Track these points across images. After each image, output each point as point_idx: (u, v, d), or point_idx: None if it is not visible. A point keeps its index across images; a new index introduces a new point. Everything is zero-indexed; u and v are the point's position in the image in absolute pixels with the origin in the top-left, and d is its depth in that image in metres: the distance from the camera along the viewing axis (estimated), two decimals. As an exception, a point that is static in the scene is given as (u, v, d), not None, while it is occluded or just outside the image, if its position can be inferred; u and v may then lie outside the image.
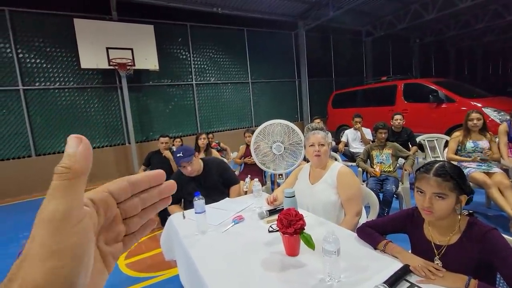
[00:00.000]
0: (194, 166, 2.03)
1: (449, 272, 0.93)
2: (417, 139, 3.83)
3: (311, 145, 1.68)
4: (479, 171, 2.61)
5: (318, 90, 9.10)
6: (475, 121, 2.75)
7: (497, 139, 2.97)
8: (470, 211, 2.89)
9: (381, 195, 2.73)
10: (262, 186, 3.21)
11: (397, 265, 1.03)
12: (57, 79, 5.53)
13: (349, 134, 4.51)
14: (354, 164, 3.50)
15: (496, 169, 2.63)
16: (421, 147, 3.93)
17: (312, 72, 8.68)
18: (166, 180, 0.30)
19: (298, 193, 1.76)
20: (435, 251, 1.05)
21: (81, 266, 0.20)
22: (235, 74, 7.70)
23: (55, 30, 5.40)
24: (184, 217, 1.72)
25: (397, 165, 3.06)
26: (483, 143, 2.75)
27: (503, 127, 3.04)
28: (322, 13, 7.69)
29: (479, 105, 4.77)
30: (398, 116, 3.81)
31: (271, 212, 1.59)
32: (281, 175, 2.42)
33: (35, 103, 5.40)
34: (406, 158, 2.95)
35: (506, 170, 2.76)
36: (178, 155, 1.97)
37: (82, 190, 0.22)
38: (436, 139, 3.81)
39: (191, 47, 6.89)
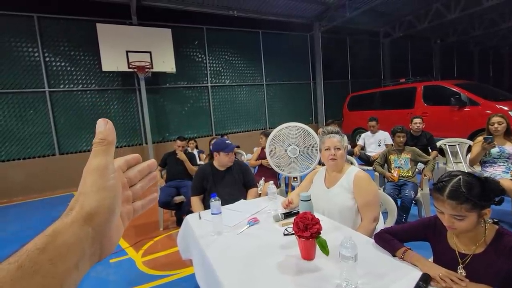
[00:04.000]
0: (233, 158, 2.23)
1: (472, 282, 0.90)
2: (438, 144, 3.70)
3: (327, 149, 1.66)
4: (506, 177, 2.49)
5: (334, 92, 8.98)
6: (496, 125, 2.63)
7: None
8: (495, 220, 2.76)
9: (399, 201, 2.66)
10: (276, 189, 3.22)
11: (416, 274, 1.00)
12: (80, 81, 5.78)
13: (365, 138, 4.43)
14: (370, 168, 3.43)
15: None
16: (441, 152, 3.80)
17: (327, 74, 8.58)
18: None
19: (313, 197, 1.75)
20: (459, 260, 1.01)
21: (118, 199, 0.30)
22: (250, 76, 7.75)
23: (79, 35, 5.66)
24: (200, 217, 1.75)
25: (416, 170, 2.97)
26: (510, 148, 2.62)
27: None
28: (338, 14, 7.61)
29: (506, 108, 4.54)
30: (417, 120, 3.70)
31: (286, 215, 1.59)
32: (296, 178, 2.40)
33: (60, 104, 5.66)
34: (425, 163, 2.86)
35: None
36: (227, 142, 2.21)
37: (113, 154, 0.32)
38: (458, 144, 3.67)
39: (207, 50, 7.01)
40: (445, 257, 1.05)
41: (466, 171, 1.08)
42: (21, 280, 0.22)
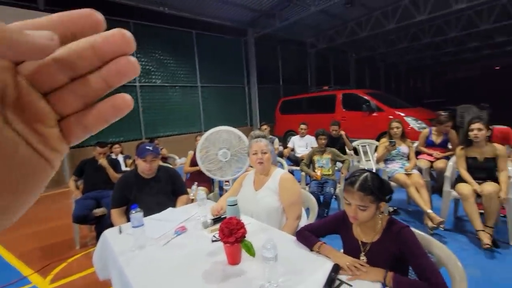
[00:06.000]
0: (155, 165, 1.99)
1: (371, 267, 1.05)
2: (353, 144, 4.24)
3: (254, 153, 1.72)
4: (401, 172, 3.01)
5: (267, 97, 9.41)
6: (395, 130, 3.18)
7: (414, 145, 3.48)
8: (395, 208, 3.25)
9: (322, 197, 2.94)
10: (210, 193, 3.17)
11: (329, 265, 1.12)
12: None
13: (295, 141, 4.76)
14: (298, 168, 3.70)
15: (414, 171, 3.06)
16: (356, 151, 4.36)
17: (261, 78, 8.94)
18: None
19: (242, 199, 1.79)
20: (362, 248, 1.17)
21: None
22: (184, 77, 7.48)
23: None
24: (120, 231, 1.59)
25: (336, 168, 3.33)
26: (404, 148, 3.19)
27: (425, 132, 3.63)
28: (269, 23, 8.02)
29: (402, 114, 5.51)
30: (334, 127, 4.20)
31: (216, 221, 1.57)
32: (228, 181, 2.42)
33: None
34: (343, 162, 3.24)
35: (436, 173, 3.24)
36: (147, 147, 1.93)
37: None
38: (368, 145, 4.27)
39: (136, 47, 6.46)
40: (351, 246, 1.20)
41: (370, 170, 1.26)
42: None
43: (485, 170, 2.47)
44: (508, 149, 2.93)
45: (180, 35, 7.35)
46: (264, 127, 4.78)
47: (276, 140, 4.58)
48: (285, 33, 9.35)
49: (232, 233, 1.09)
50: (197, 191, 1.88)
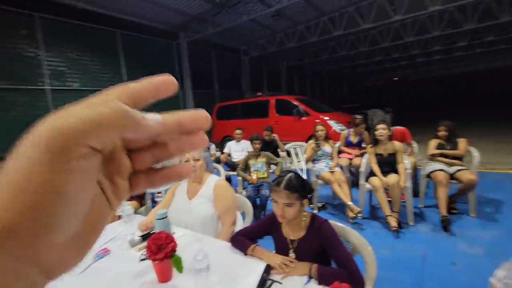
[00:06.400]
0: None
1: (299, 262, 1.13)
2: (285, 147, 4.51)
3: (186, 161, 1.67)
4: (326, 170, 3.34)
5: (204, 102, 9.25)
6: (319, 132, 3.52)
7: (336, 144, 3.91)
8: (323, 203, 3.55)
9: (258, 200, 3.03)
10: (141, 206, 2.92)
11: (262, 267, 1.15)
12: None
13: (231, 146, 4.79)
14: (235, 173, 3.74)
15: (336, 168, 3.43)
16: (288, 154, 4.65)
17: (196, 83, 8.75)
18: None
19: (176, 210, 1.71)
20: (290, 245, 1.25)
21: (69, 205, 0.16)
22: (108, 81, 6.75)
23: None
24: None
25: (270, 171, 3.49)
26: (328, 149, 3.55)
27: (344, 133, 4.10)
28: (202, 28, 7.95)
29: (326, 118, 6.13)
30: (266, 132, 4.40)
31: (145, 237, 1.46)
32: (160, 193, 2.27)
33: None
34: (276, 164, 3.41)
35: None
36: None
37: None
38: (298, 147, 4.61)
39: (44, 44, 5.55)
40: (281, 245, 1.27)
41: (293, 170, 1.36)
42: None
43: (389, 164, 2.95)
44: (405, 146, 3.56)
45: (102, 34, 6.62)
46: (200, 133, 4.68)
47: (213, 146, 4.54)
48: (219, 39, 9.40)
49: (160, 249, 1.02)
50: (123, 206, 1.71)
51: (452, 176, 2.90)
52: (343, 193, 3.06)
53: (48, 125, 0.15)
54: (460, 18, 8.66)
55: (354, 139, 4.04)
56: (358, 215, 2.88)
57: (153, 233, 1.44)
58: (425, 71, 20.51)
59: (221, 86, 10.20)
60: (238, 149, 4.70)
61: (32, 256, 0.16)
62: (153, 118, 0.19)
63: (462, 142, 3.05)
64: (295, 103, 6.59)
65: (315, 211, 3.39)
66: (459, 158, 3.05)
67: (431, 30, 9.27)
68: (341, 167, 3.60)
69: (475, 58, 16.71)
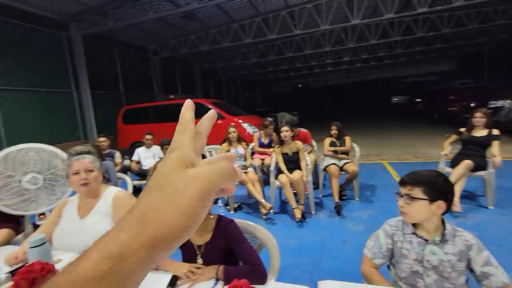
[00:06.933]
0: None
1: (206, 267, 1.13)
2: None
3: (76, 173, 1.43)
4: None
5: (107, 105, 8.17)
6: (232, 134, 3.64)
7: (250, 146, 4.11)
8: (239, 203, 3.64)
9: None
10: (18, 234, 2.34)
11: (168, 278, 1.10)
12: None
13: (141, 153, 4.40)
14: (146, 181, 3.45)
15: (250, 169, 3.60)
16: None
17: (97, 84, 7.65)
18: None
19: (63, 232, 1.45)
20: (197, 251, 1.23)
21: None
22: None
23: None
24: None
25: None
26: (241, 150, 3.69)
27: (256, 135, 4.32)
28: (101, 21, 7.02)
29: (240, 121, 6.36)
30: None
31: (14, 272, 1.17)
32: (44, 214, 1.87)
33: None
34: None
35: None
36: None
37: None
38: (214, 150, 4.62)
39: None
40: (189, 252, 1.24)
41: None
42: None
43: (293, 162, 3.29)
44: (306, 147, 4.04)
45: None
46: (102, 139, 4.11)
47: (117, 154, 4.06)
48: (124, 36, 8.50)
49: (34, 284, 0.84)
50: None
51: (342, 168, 3.47)
52: (257, 191, 3.24)
53: (204, 174, 0.24)
54: (344, 38, 10.49)
55: (265, 140, 4.33)
56: (270, 210, 3.10)
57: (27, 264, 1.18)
58: (322, 80, 23.93)
59: (128, 88, 9.22)
60: (148, 156, 4.35)
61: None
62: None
63: (347, 140, 3.69)
64: (210, 106, 6.58)
65: (232, 212, 3.46)
66: (346, 152, 3.68)
67: (324, 45, 10.90)
68: (254, 168, 3.80)
69: (355, 71, 20.68)
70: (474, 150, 3.02)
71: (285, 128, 3.20)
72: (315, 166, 4.09)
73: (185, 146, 0.25)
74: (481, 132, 3.02)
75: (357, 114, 16.74)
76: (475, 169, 2.93)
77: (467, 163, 2.88)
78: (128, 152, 6.73)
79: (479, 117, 3.00)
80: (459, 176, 2.84)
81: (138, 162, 4.33)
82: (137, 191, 4.37)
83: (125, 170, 4.23)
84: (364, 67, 18.00)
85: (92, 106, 7.43)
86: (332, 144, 3.68)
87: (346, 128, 3.91)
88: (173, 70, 11.81)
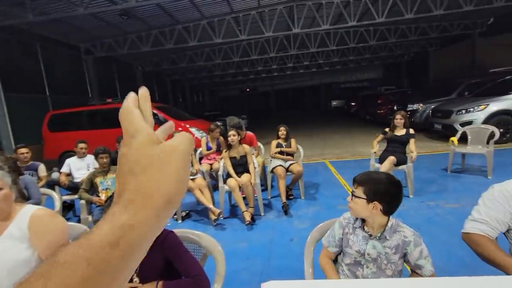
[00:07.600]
0: None
1: (143, 285, 1.04)
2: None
3: (-22, 192, 1.19)
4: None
5: (28, 110, 7.05)
6: None
7: (198, 152, 4.00)
8: (187, 211, 3.48)
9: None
10: None
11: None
12: None
13: (72, 164, 3.90)
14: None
15: (198, 175, 3.50)
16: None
17: (12, 85, 6.55)
18: None
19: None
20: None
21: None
22: None
23: None
24: None
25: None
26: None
27: (203, 140, 4.22)
28: (18, 13, 6.06)
29: (188, 126, 6.16)
30: (119, 145, 3.91)
31: None
32: None
33: None
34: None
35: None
36: None
37: None
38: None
39: None
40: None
41: None
42: (90, 280, 0.21)
43: (241, 165, 3.31)
44: (253, 150, 4.11)
45: None
46: (24, 150, 3.51)
47: (41, 167, 3.53)
48: (49, 31, 7.48)
49: None
50: None
51: (288, 169, 3.62)
52: (205, 198, 3.16)
53: (179, 145, 0.28)
54: (287, 45, 11.06)
55: (212, 145, 4.26)
56: (220, 216, 3.06)
57: None
58: (269, 84, 24.78)
59: (55, 90, 8.14)
60: (81, 167, 3.88)
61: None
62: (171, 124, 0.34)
63: (293, 142, 3.87)
64: (154, 111, 6.20)
65: (179, 221, 3.31)
66: (291, 154, 3.85)
67: (269, 51, 11.32)
68: (203, 173, 3.70)
69: (299, 77, 21.99)
70: (396, 147, 3.48)
71: (232, 132, 3.20)
72: (263, 168, 4.18)
73: (145, 128, 0.27)
74: (401, 132, 3.50)
75: (302, 117, 17.76)
76: (398, 163, 3.37)
77: (391, 159, 3.30)
78: (57, 164, 5.92)
79: (399, 119, 3.47)
80: (386, 171, 3.23)
81: (69, 175, 3.83)
82: (67, 207, 3.85)
83: (52, 184, 3.71)
84: (307, 73, 19.27)
85: (7, 111, 6.34)
86: (278, 145, 3.81)
87: (292, 130, 4.10)
88: (111, 72, 10.86)
